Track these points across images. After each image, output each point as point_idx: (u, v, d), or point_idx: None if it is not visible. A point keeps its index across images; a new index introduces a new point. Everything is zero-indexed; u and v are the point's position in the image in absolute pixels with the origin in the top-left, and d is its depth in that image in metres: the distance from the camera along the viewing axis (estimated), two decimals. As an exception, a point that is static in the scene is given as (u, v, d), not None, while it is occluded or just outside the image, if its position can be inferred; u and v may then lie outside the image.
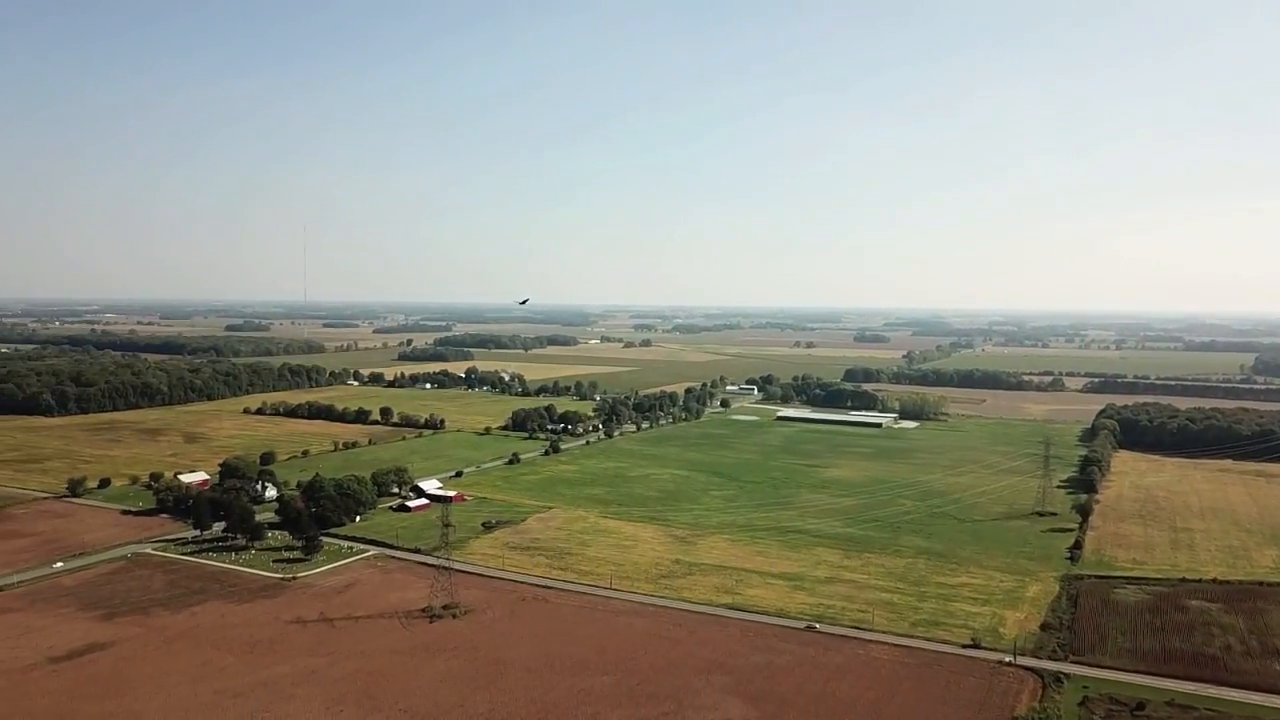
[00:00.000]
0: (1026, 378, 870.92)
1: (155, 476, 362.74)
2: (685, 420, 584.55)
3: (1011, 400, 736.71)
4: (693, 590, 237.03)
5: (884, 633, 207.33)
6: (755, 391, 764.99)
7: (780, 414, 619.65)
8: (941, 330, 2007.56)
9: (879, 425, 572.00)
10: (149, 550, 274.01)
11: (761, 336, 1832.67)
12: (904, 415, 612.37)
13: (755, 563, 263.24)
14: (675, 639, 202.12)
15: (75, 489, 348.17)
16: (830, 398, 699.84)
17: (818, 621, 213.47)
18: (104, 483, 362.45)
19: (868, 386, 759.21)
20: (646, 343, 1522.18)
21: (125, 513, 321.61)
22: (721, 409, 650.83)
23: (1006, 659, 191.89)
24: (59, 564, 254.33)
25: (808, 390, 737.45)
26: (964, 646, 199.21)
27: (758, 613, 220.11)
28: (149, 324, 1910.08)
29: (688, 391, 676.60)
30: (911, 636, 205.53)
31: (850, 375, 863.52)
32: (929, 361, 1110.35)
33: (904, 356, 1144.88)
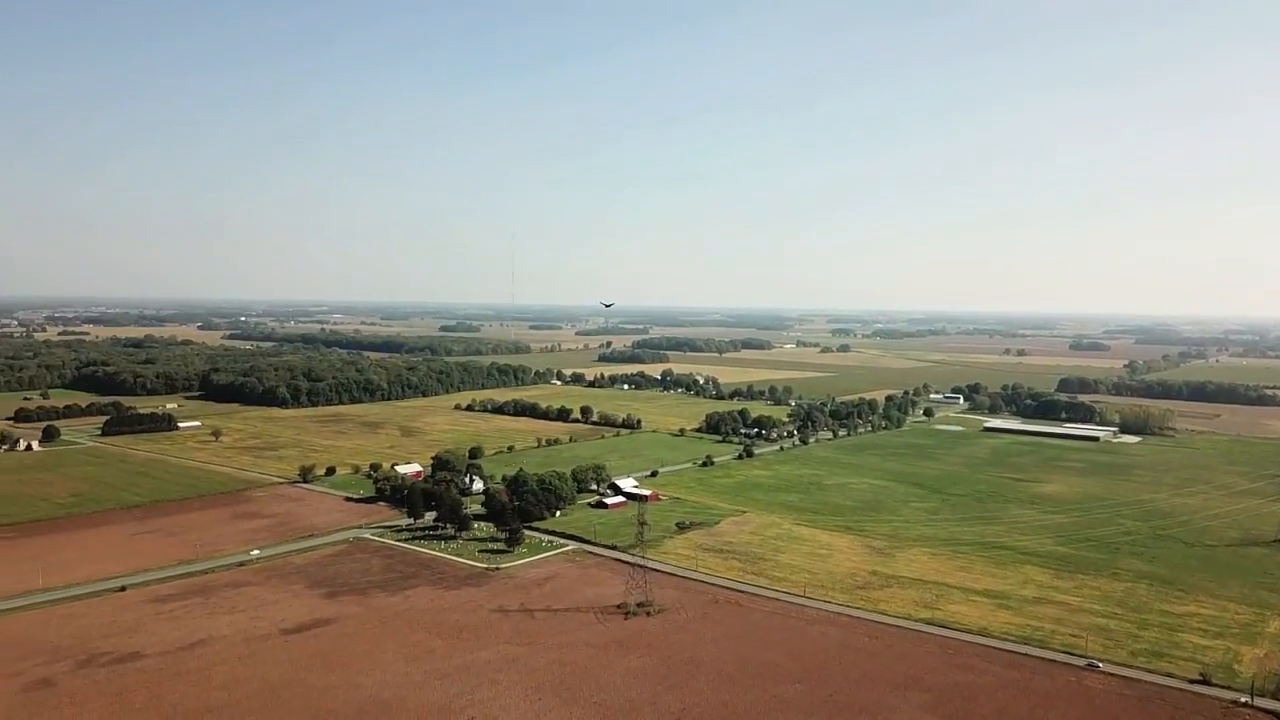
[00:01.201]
0: (1269, 391, 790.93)
1: (375, 466, 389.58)
2: (885, 429, 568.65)
3: (1251, 416, 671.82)
4: (890, 603, 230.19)
5: (1098, 660, 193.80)
6: (960, 400, 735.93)
7: (987, 425, 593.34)
8: (1169, 339, 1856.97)
9: (1096, 439, 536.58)
10: (368, 535, 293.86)
11: (968, 343, 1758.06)
12: (1125, 429, 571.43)
13: (957, 578, 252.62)
14: (871, 651, 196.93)
15: (306, 475, 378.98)
16: (1042, 409, 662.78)
17: (1025, 644, 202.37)
18: (330, 471, 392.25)
19: (1084, 398, 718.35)
20: (845, 348, 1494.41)
21: (348, 499, 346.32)
22: (924, 418, 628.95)
23: (1242, 699, 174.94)
24: (255, 551, 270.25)
25: (1018, 400, 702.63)
26: (1191, 681, 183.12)
27: (959, 629, 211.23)
28: (371, 324, 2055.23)
29: (888, 399, 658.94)
30: (1130, 666, 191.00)
31: (1064, 385, 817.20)
32: (1154, 372, 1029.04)
33: (1125, 366, 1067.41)
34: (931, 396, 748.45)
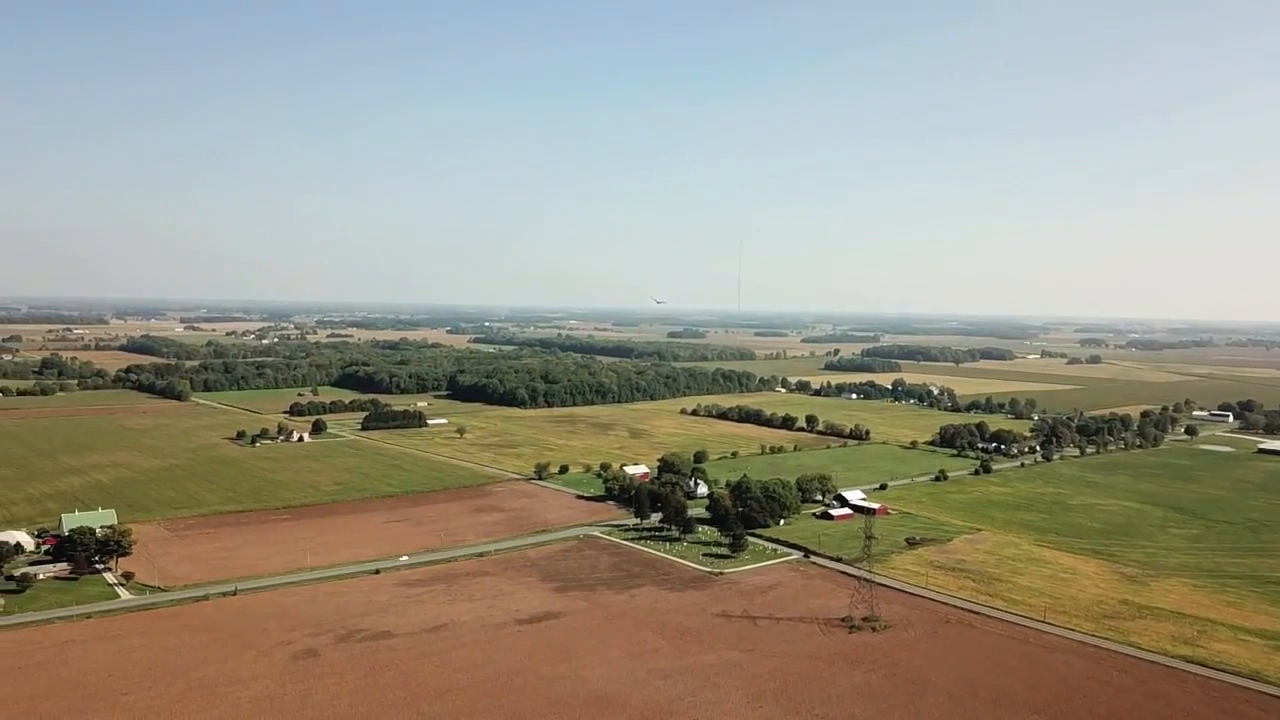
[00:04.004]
0: None
1: (604, 466, 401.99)
2: (1139, 447, 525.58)
3: None
4: (1143, 635, 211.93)
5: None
6: (1230, 419, 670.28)
7: (1263, 446, 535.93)
8: None
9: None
10: (597, 533, 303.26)
11: (1240, 355, 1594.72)
12: None
13: (1224, 614, 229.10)
14: (1120, 687, 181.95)
15: (540, 473, 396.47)
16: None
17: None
18: (563, 469, 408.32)
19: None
20: (1095, 359, 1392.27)
21: (579, 497, 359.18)
22: (1185, 437, 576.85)
23: None
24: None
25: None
26: None
27: (1226, 671, 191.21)
28: (604, 330, 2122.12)
29: (1143, 415, 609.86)
30: None
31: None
32: None
33: None
34: (1195, 414, 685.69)
